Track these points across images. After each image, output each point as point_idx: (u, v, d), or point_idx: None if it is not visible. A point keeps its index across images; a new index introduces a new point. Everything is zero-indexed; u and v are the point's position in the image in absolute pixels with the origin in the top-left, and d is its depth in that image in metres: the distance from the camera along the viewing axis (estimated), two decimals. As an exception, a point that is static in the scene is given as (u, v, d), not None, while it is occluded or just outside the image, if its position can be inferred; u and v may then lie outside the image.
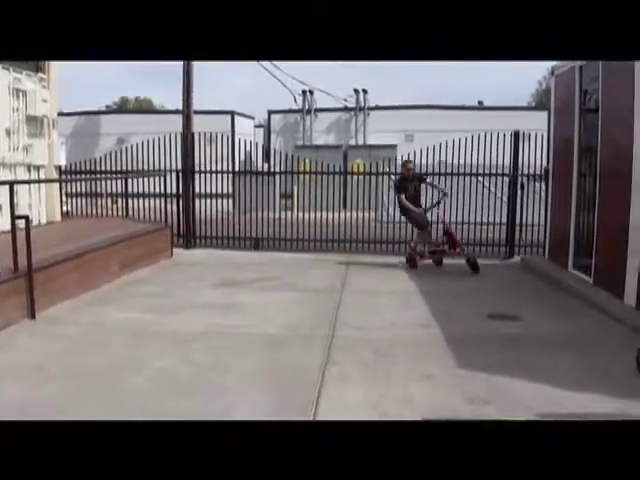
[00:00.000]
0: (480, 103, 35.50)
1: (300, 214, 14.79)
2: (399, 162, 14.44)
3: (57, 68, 12.43)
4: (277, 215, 14.63)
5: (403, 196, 11.78)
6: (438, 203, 11.92)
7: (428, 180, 12.34)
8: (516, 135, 13.11)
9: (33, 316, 7.45)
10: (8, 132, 11.02)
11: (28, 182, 11.51)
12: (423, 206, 11.98)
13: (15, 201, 8.22)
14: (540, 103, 45.04)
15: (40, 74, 11.87)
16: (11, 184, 7.97)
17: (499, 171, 13.73)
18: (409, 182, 11.98)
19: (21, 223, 7.54)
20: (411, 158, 13.50)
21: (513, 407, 4.89)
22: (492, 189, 14.33)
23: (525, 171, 13.43)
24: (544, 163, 13.04)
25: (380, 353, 6.32)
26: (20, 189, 10.99)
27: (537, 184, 13.56)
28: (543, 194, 12.84)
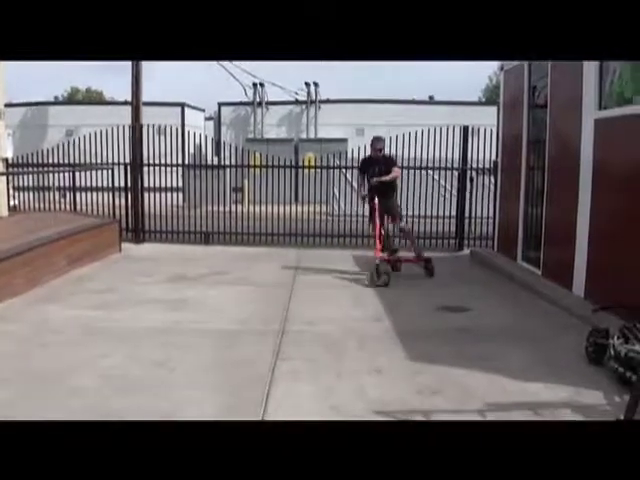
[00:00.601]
0: (431, 98, 35.82)
1: (251, 208, 14.71)
2: (349, 156, 14.50)
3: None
4: (228, 209, 14.52)
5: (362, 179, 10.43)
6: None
7: (396, 168, 10.46)
8: (465, 130, 13.25)
9: (-22, 313, 7.28)
10: (-48, 124, 10.76)
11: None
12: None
13: (-41, 195, 8.04)
14: (490, 98, 45.65)
15: (-15, 64, 11.60)
16: (-47, 177, 7.79)
17: (449, 165, 13.85)
18: (374, 165, 10.34)
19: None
20: (361, 152, 13.57)
21: (463, 397, 4.94)
22: (442, 182, 14.47)
23: (474, 165, 13.58)
24: (493, 157, 13.18)
25: (331, 347, 6.32)
26: (-36, 182, 10.75)
27: (486, 178, 13.71)
28: (492, 187, 12.97)
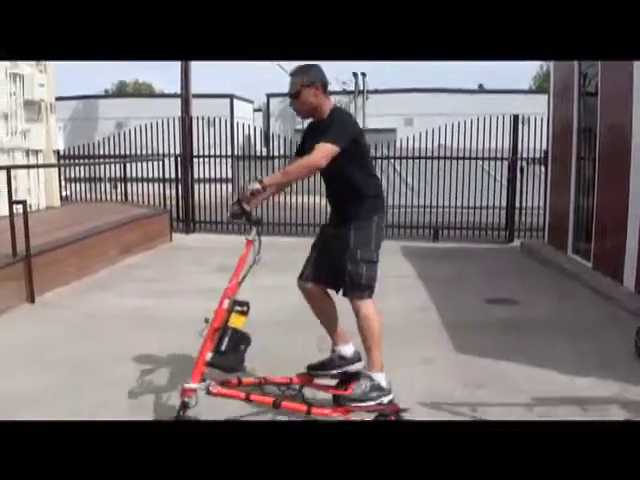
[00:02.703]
0: (480, 86, 35.44)
1: (299, 198, 14.73)
2: (398, 146, 14.42)
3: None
4: (276, 199, 14.57)
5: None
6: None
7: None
8: (515, 118, 13.05)
9: (32, 300, 7.48)
10: (5, 117, 10.98)
11: (26, 167, 11.46)
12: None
13: (14, 186, 8.22)
14: (541, 86, 44.94)
15: (37, 58, 11.80)
16: (8, 169, 7.97)
17: (498, 155, 13.68)
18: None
19: (19, 208, 7.55)
20: (410, 142, 13.50)
21: (509, 391, 4.91)
22: (492, 173, 14.31)
23: (525, 155, 13.40)
24: (544, 146, 12.97)
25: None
26: (19, 174, 10.97)
27: (537, 167, 13.51)
28: (543, 177, 12.78)
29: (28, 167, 11.56)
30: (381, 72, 31.70)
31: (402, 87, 28.49)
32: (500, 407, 4.60)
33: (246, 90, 58.90)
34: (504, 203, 13.47)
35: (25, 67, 11.40)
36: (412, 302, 7.70)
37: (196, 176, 14.61)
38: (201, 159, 14.55)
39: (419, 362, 5.60)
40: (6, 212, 7.58)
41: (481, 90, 32.80)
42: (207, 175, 14.57)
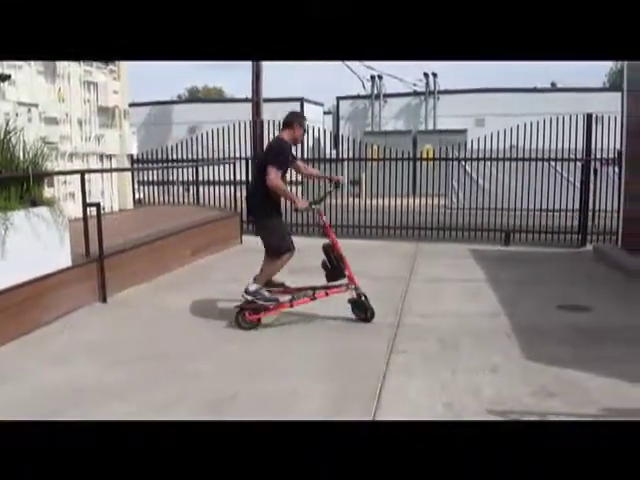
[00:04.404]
0: (553, 85, 34.77)
1: (368, 201, 14.73)
2: (469, 147, 14.26)
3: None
4: (345, 202, 14.61)
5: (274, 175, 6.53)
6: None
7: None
8: (589, 118, 12.75)
9: (104, 300, 7.71)
10: (80, 123, 11.32)
11: (100, 171, 11.79)
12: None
13: (88, 189, 8.47)
14: (615, 84, 43.83)
15: (110, 66, 12.12)
16: (82, 173, 8.21)
17: (571, 155, 13.38)
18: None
19: (94, 210, 7.76)
20: (481, 143, 13.34)
21: (579, 401, 4.80)
22: (564, 174, 14.02)
23: (599, 155, 13.07)
24: (618, 146, 12.63)
25: (446, 342, 6.28)
26: (93, 178, 11.28)
27: (611, 169, 13.18)
28: (617, 179, 12.44)
29: (102, 171, 11.88)
30: (452, 72, 31.45)
31: (473, 87, 28.21)
32: (569, 417, 4.51)
33: (316, 93, 59.10)
34: (577, 206, 13.17)
35: (99, 75, 11.73)
36: (482, 307, 7.61)
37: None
38: (271, 162, 14.65)
39: (488, 369, 5.53)
40: (81, 214, 7.80)
41: (554, 89, 32.13)
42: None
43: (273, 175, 6.45)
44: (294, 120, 6.84)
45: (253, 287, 6.68)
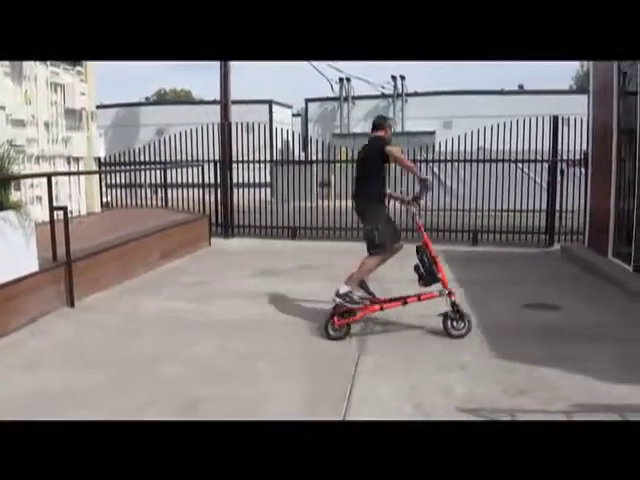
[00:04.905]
0: (521, 87, 35.10)
1: (338, 202, 14.74)
2: (437, 149, 14.32)
3: (94, 62, 12.52)
4: (315, 204, 14.62)
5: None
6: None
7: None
8: (555, 120, 12.89)
9: (72, 304, 7.61)
10: (47, 125, 11.16)
11: (67, 174, 11.64)
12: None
13: (55, 193, 8.38)
14: (582, 86, 44.37)
15: (78, 68, 11.97)
16: (49, 176, 8.09)
17: (538, 157, 13.52)
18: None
19: (61, 214, 7.67)
20: (449, 145, 13.41)
21: (549, 398, 4.84)
22: (531, 175, 14.15)
23: (565, 156, 13.22)
24: (584, 148, 12.77)
25: (416, 342, 6.30)
26: (60, 181, 11.14)
27: (577, 169, 13.32)
28: (584, 180, 12.58)
29: (69, 174, 11.73)
30: (419, 75, 31.62)
31: (441, 90, 28.37)
32: (539, 414, 4.55)
33: (285, 96, 59.14)
34: (544, 206, 13.30)
35: (66, 76, 11.59)
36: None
37: (235, 181, 14.70)
38: (240, 164, 14.64)
39: (457, 367, 5.56)
40: (48, 218, 7.71)
41: (521, 91, 32.45)
42: (246, 180, 14.67)
43: (396, 150, 6.95)
44: (384, 123, 7.31)
45: (344, 289, 6.57)
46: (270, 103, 27.64)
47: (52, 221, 7.59)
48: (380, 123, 7.33)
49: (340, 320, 6.51)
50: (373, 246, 6.72)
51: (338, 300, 6.51)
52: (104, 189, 14.52)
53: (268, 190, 18.57)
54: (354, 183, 7.21)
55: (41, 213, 9.55)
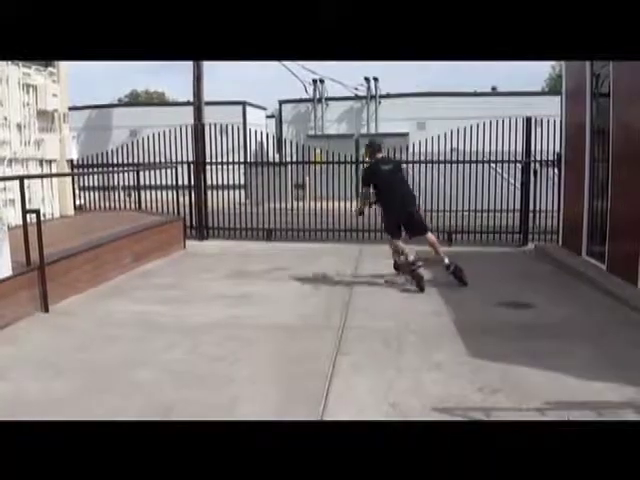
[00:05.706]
0: (494, 89, 35.35)
1: (312, 204, 14.76)
2: (411, 150, 14.38)
3: (66, 62, 12.41)
4: (289, 205, 14.62)
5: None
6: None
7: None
8: (528, 121, 13.02)
9: (46, 309, 7.51)
10: (19, 127, 11.04)
11: (39, 177, 11.53)
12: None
13: (28, 196, 8.29)
14: (554, 88, 44.72)
15: (50, 69, 11.86)
16: (21, 179, 7.99)
17: (512, 158, 13.62)
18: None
19: (33, 217, 7.57)
20: (422, 146, 13.46)
21: (524, 395, 4.86)
22: (505, 176, 14.24)
23: (538, 157, 13.33)
24: (557, 149, 12.90)
25: (391, 342, 6.31)
26: (32, 184, 11.05)
27: (550, 170, 13.45)
28: (557, 180, 12.70)
29: (42, 177, 11.63)
30: (393, 76, 31.69)
31: (414, 91, 28.47)
32: (514, 412, 4.57)
33: (258, 97, 59.11)
34: (518, 206, 13.40)
35: (38, 77, 11.48)
36: (426, 307, 7.68)
37: (209, 183, 14.66)
38: (214, 166, 14.59)
39: (432, 367, 5.57)
40: (20, 221, 7.61)
41: (494, 93, 32.66)
42: (220, 182, 14.64)
43: None
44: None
45: (447, 261, 9.26)
46: (244, 104, 27.59)
47: (25, 224, 7.48)
48: (380, 145, 9.67)
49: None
50: (425, 226, 9.50)
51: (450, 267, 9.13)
52: (77, 192, 14.41)
53: (243, 192, 18.53)
54: (396, 191, 9.11)
55: (14, 216, 9.44)
